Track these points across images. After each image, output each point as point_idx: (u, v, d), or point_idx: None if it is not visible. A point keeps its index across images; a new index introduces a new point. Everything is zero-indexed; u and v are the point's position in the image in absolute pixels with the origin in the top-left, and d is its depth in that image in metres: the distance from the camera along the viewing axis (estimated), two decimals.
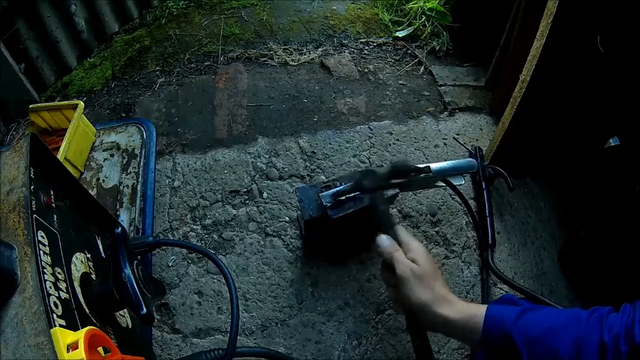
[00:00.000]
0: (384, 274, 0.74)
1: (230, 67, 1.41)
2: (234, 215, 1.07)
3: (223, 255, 1.01)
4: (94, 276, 0.61)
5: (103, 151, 1.13)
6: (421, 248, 0.70)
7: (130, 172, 1.07)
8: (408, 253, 0.69)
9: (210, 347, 0.80)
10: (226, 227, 1.05)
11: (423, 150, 1.21)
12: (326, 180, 0.95)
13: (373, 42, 1.52)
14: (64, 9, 1.31)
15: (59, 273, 0.51)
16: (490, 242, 1.01)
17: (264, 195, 1.10)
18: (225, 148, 1.19)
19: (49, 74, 1.36)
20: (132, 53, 1.47)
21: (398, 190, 0.85)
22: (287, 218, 1.06)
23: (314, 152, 1.18)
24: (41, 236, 0.51)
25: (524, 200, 1.13)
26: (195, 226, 1.05)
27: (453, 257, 1.03)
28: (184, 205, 1.08)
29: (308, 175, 1.14)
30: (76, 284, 0.55)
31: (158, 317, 0.92)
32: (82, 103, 1.07)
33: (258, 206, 1.08)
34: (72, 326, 0.47)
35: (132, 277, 0.56)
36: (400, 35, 1.52)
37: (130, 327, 0.67)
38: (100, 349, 0.47)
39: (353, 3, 1.67)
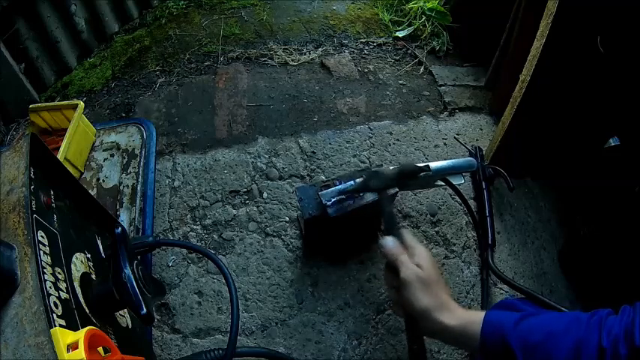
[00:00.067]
0: (387, 276, 0.73)
1: (230, 67, 1.41)
2: (234, 215, 1.07)
3: (223, 255, 1.01)
4: (94, 276, 0.61)
5: (103, 151, 1.13)
6: (426, 253, 0.69)
7: (130, 172, 1.07)
8: (413, 257, 0.69)
9: (210, 347, 0.80)
10: (226, 227, 1.05)
11: (423, 150, 1.21)
12: (325, 179, 0.95)
13: (373, 42, 1.52)
14: (64, 9, 1.31)
15: (59, 273, 0.51)
16: (490, 242, 1.01)
17: (264, 195, 1.10)
18: (225, 148, 1.19)
19: (49, 74, 1.36)
20: (132, 53, 1.47)
21: (397, 190, 0.85)
22: (287, 218, 1.06)
23: (314, 152, 1.18)
24: (41, 236, 0.51)
25: (524, 200, 1.13)
26: (195, 226, 1.05)
27: (453, 257, 1.03)
28: (184, 205, 1.08)
29: (308, 175, 1.14)
30: (76, 284, 0.55)
31: (158, 317, 0.92)
32: (82, 103, 1.07)
33: (258, 206, 1.08)
34: (72, 326, 0.47)
35: (132, 277, 0.56)
36: (400, 35, 1.52)
37: (130, 327, 0.67)
38: (100, 349, 0.47)
39: (353, 3, 1.67)
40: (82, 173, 1.08)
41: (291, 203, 1.08)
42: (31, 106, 1.09)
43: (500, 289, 0.99)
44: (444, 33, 1.50)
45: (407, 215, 1.08)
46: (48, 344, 0.41)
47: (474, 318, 0.61)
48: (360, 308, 0.94)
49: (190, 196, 1.10)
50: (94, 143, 1.14)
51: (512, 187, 1.02)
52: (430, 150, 1.21)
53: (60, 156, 0.96)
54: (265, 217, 1.06)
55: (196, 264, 0.99)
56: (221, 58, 1.44)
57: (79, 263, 0.58)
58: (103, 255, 0.68)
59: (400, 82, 1.40)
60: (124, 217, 1.00)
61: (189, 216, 1.07)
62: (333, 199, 0.82)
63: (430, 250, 1.03)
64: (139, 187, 1.04)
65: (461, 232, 1.06)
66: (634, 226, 0.85)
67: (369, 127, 1.25)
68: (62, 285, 0.51)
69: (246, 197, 1.09)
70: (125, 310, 0.67)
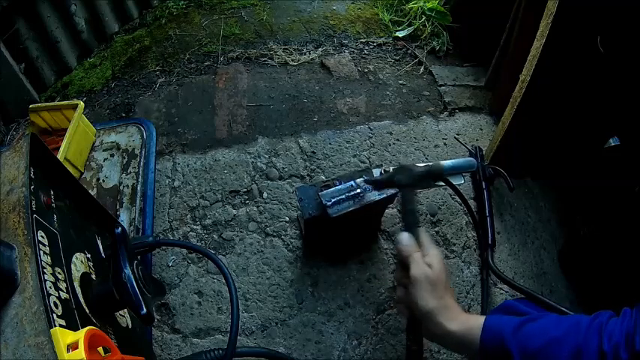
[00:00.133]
0: (398, 273, 0.73)
1: (230, 67, 1.41)
2: (234, 215, 1.07)
3: (223, 255, 1.01)
4: (94, 276, 0.61)
5: (103, 151, 1.13)
6: (438, 255, 0.69)
7: (130, 172, 1.07)
8: (426, 256, 0.69)
9: (210, 347, 0.80)
10: (226, 227, 1.05)
11: (423, 150, 1.21)
12: (325, 179, 0.95)
13: (373, 42, 1.52)
14: (64, 9, 1.31)
15: (59, 273, 0.51)
16: (490, 242, 1.01)
17: (264, 195, 1.10)
18: (225, 148, 1.19)
19: (49, 74, 1.36)
20: (132, 53, 1.47)
21: (397, 190, 0.85)
22: (287, 218, 1.06)
23: (314, 152, 1.18)
24: (41, 236, 0.51)
25: (524, 200, 1.13)
26: (195, 226, 1.05)
27: (453, 257, 1.03)
28: (184, 205, 1.08)
29: (308, 175, 1.14)
30: (76, 284, 0.55)
31: (158, 317, 0.92)
32: (82, 103, 1.07)
33: (258, 206, 1.08)
34: (72, 326, 0.47)
35: (132, 277, 0.56)
36: (400, 35, 1.52)
37: (130, 327, 0.67)
38: (100, 349, 0.47)
39: (353, 3, 1.67)
40: (82, 173, 1.08)
41: (291, 203, 1.08)
42: (31, 106, 1.09)
43: (500, 289, 0.99)
44: (444, 33, 1.50)
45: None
46: (48, 344, 0.41)
47: (474, 323, 0.61)
48: (360, 308, 0.94)
49: (190, 196, 1.10)
50: (94, 143, 1.14)
51: (512, 187, 1.02)
52: (430, 150, 1.21)
53: (60, 156, 0.96)
54: (265, 217, 1.06)
55: (196, 264, 0.99)
56: (221, 58, 1.44)
57: (79, 263, 0.58)
58: (103, 255, 0.68)
59: (400, 82, 1.40)
60: (124, 217, 1.00)
61: (189, 216, 1.07)
62: (333, 199, 0.82)
63: None
64: (139, 187, 1.04)
65: (461, 232, 1.06)
66: (634, 226, 0.85)
67: (369, 127, 1.25)
68: (62, 285, 0.51)
69: (246, 197, 1.09)
70: (125, 310, 0.67)
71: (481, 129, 1.27)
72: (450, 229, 1.07)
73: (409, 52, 1.50)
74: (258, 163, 1.16)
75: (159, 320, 0.92)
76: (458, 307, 0.65)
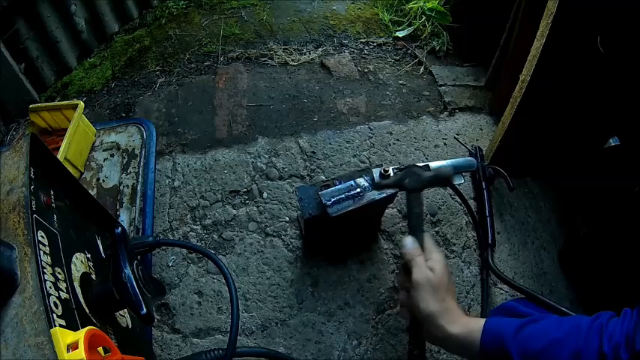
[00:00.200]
0: (400, 276, 0.74)
1: (230, 67, 1.41)
2: (234, 215, 1.07)
3: (223, 255, 1.01)
4: (94, 276, 0.61)
5: (103, 151, 1.13)
6: (441, 259, 0.70)
7: (130, 172, 1.07)
8: (429, 260, 0.69)
9: (210, 347, 0.80)
10: (226, 227, 1.05)
11: (423, 150, 1.21)
12: (325, 179, 0.95)
13: (373, 42, 1.52)
14: (64, 9, 1.31)
15: (59, 273, 0.51)
16: (490, 242, 1.01)
17: (264, 195, 1.10)
18: (225, 148, 1.19)
19: (49, 74, 1.36)
20: (132, 53, 1.47)
21: (397, 190, 0.85)
22: (287, 218, 1.06)
23: (314, 152, 1.18)
24: (41, 236, 0.51)
25: (524, 200, 1.13)
26: (195, 226, 1.05)
27: (453, 257, 1.03)
28: (184, 205, 1.08)
29: (308, 175, 1.14)
30: (76, 284, 0.55)
31: (158, 317, 0.92)
32: (82, 103, 1.07)
33: (258, 206, 1.08)
34: (72, 326, 0.47)
35: (132, 277, 0.56)
36: (400, 35, 1.52)
37: (130, 327, 0.67)
38: (100, 349, 0.47)
39: (353, 3, 1.67)
40: (82, 173, 1.08)
41: (291, 203, 1.08)
42: (31, 106, 1.09)
43: (500, 289, 0.99)
44: (444, 33, 1.50)
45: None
46: (48, 344, 0.41)
47: (474, 326, 0.61)
48: (360, 308, 0.94)
49: (190, 196, 1.10)
50: (94, 143, 1.14)
51: (512, 187, 1.02)
52: (430, 150, 1.21)
53: (60, 156, 0.96)
54: (265, 217, 1.06)
55: (196, 264, 0.99)
56: (221, 58, 1.44)
57: (79, 263, 0.58)
58: (103, 255, 0.68)
59: (400, 82, 1.40)
60: (124, 217, 1.00)
61: (189, 216, 1.07)
62: (333, 199, 0.82)
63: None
64: (139, 187, 1.04)
65: (461, 232, 1.06)
66: (634, 226, 0.85)
67: (369, 127, 1.25)
68: (62, 285, 0.51)
69: (246, 197, 1.09)
70: (125, 310, 0.67)
71: (481, 129, 1.27)
72: (450, 229, 1.07)
73: (409, 52, 1.50)
74: (258, 163, 1.16)
75: (159, 320, 0.92)
76: (459, 310, 0.65)
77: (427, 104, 1.34)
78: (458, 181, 0.93)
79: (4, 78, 1.18)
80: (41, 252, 0.49)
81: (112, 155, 1.12)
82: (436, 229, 1.07)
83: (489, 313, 0.82)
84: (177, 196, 1.10)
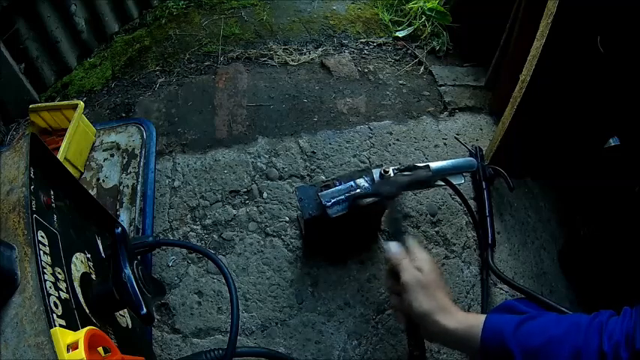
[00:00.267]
0: (389, 281, 0.74)
1: (230, 67, 1.41)
2: (234, 215, 1.07)
3: (223, 255, 1.01)
4: (94, 276, 0.61)
5: (103, 151, 1.13)
6: (427, 257, 0.70)
7: (130, 172, 1.07)
8: (415, 261, 0.69)
9: (210, 347, 0.80)
10: (226, 227, 1.05)
11: (423, 150, 1.21)
12: (325, 179, 0.95)
13: (373, 42, 1.52)
14: (64, 9, 1.31)
15: (59, 273, 0.51)
16: (490, 242, 1.01)
17: (264, 195, 1.10)
18: (225, 148, 1.19)
19: (49, 74, 1.36)
20: (132, 53, 1.48)
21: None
22: (287, 218, 1.06)
23: (314, 152, 1.18)
24: (41, 236, 0.51)
25: (524, 200, 1.13)
26: (195, 226, 1.05)
27: (453, 257, 1.03)
28: (184, 205, 1.08)
29: (308, 175, 1.14)
30: (76, 284, 0.55)
31: (158, 317, 0.92)
32: (82, 103, 1.07)
33: (258, 206, 1.08)
34: (72, 326, 0.47)
35: (132, 277, 0.56)
36: (400, 35, 1.52)
37: (130, 327, 0.67)
38: (100, 349, 0.47)
39: (353, 3, 1.67)
40: (82, 173, 1.08)
41: (291, 203, 1.08)
42: (31, 106, 1.09)
43: (500, 289, 0.99)
44: (444, 33, 1.50)
45: (407, 215, 1.08)
46: (48, 344, 0.41)
47: (474, 321, 0.61)
48: (360, 308, 0.94)
49: (190, 196, 1.10)
50: (94, 143, 1.14)
51: (512, 187, 1.02)
52: (430, 150, 1.21)
53: (60, 156, 0.96)
54: (265, 217, 1.06)
55: (196, 264, 0.99)
56: (221, 58, 1.44)
57: (79, 263, 0.58)
58: (103, 255, 0.68)
59: (400, 82, 1.40)
60: (124, 217, 1.00)
61: (189, 216, 1.07)
62: (332, 200, 0.82)
63: (430, 251, 1.03)
64: (139, 187, 1.04)
65: (461, 232, 1.06)
66: (634, 226, 0.85)
67: (369, 127, 1.25)
68: (62, 285, 0.51)
69: (246, 197, 1.09)
70: (125, 310, 0.67)
71: (481, 129, 1.27)
72: (450, 229, 1.07)
73: (409, 52, 1.50)
74: (258, 163, 1.16)
75: (159, 320, 0.92)
76: (453, 305, 0.65)
77: (427, 104, 1.34)
78: (458, 181, 0.93)
79: (4, 78, 1.18)
80: (41, 252, 0.49)
81: (112, 155, 1.12)
82: (436, 229, 1.07)
83: (489, 312, 0.82)
84: (177, 196, 1.10)
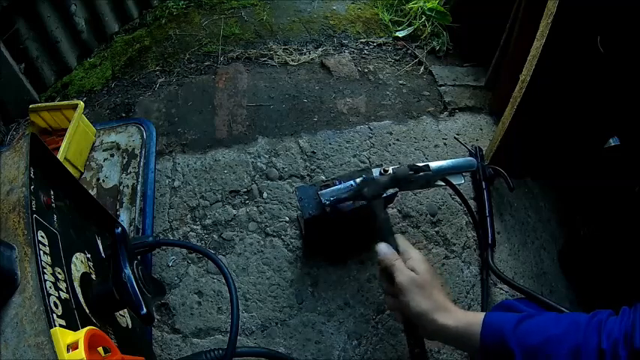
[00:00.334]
0: (383, 283, 0.74)
1: (230, 67, 1.41)
2: (234, 215, 1.07)
3: (223, 255, 1.01)
4: (94, 276, 0.61)
5: (103, 151, 1.13)
6: (420, 256, 0.70)
7: (130, 172, 1.07)
8: (408, 261, 0.69)
9: (210, 347, 0.80)
10: (226, 227, 1.05)
11: (423, 150, 1.21)
12: (325, 179, 0.95)
13: (373, 42, 1.52)
14: (64, 9, 1.31)
15: (59, 273, 0.51)
16: (490, 242, 1.01)
17: (264, 195, 1.10)
18: (225, 148, 1.19)
19: (49, 74, 1.36)
20: (132, 53, 1.48)
21: (397, 189, 0.85)
22: (287, 218, 1.06)
23: (314, 152, 1.18)
24: (41, 236, 0.51)
25: (524, 200, 1.13)
26: (195, 226, 1.05)
27: (453, 257, 1.03)
28: (184, 205, 1.08)
29: (308, 175, 1.14)
30: (76, 284, 0.55)
31: (158, 317, 0.92)
32: (82, 103, 1.07)
33: (258, 206, 1.08)
34: (72, 326, 0.47)
35: (132, 277, 0.56)
36: (400, 35, 1.53)
37: (130, 327, 0.67)
38: (100, 349, 0.47)
39: (353, 3, 1.67)
40: (82, 173, 1.08)
41: (291, 203, 1.08)
42: (31, 106, 1.09)
43: (500, 289, 0.99)
44: (444, 33, 1.50)
45: (407, 215, 1.08)
46: (48, 344, 0.41)
47: (473, 319, 0.61)
48: (360, 308, 0.94)
49: (190, 196, 1.10)
50: (94, 143, 1.14)
51: (512, 187, 1.02)
52: (430, 150, 1.21)
53: (60, 156, 0.96)
54: (265, 217, 1.06)
55: (196, 264, 0.99)
56: (221, 58, 1.44)
57: (79, 263, 0.58)
58: (103, 255, 0.68)
59: (400, 82, 1.40)
60: (124, 217, 1.00)
61: (189, 216, 1.07)
62: (332, 199, 0.82)
63: (430, 251, 1.03)
64: (139, 187, 1.04)
65: (461, 232, 1.06)
66: (634, 226, 0.85)
67: (369, 127, 1.25)
68: (62, 285, 0.51)
69: (246, 197, 1.09)
70: (125, 310, 0.67)
71: (481, 129, 1.27)
72: (450, 229, 1.07)
73: (409, 52, 1.50)
74: (258, 163, 1.16)
75: (159, 320, 0.92)
76: (451, 304, 0.65)
77: (427, 104, 1.34)
78: (458, 181, 0.94)
79: (4, 78, 1.18)
80: (41, 252, 0.49)
81: (112, 155, 1.12)
82: (436, 229, 1.07)
83: (489, 311, 0.82)
84: (177, 196, 1.10)
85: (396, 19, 1.58)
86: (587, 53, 0.83)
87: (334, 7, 1.64)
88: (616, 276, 0.89)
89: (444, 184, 0.93)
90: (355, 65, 1.43)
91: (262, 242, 1.02)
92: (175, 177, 1.13)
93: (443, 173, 0.91)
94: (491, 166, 1.09)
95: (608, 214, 0.97)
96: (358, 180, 0.83)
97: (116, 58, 1.47)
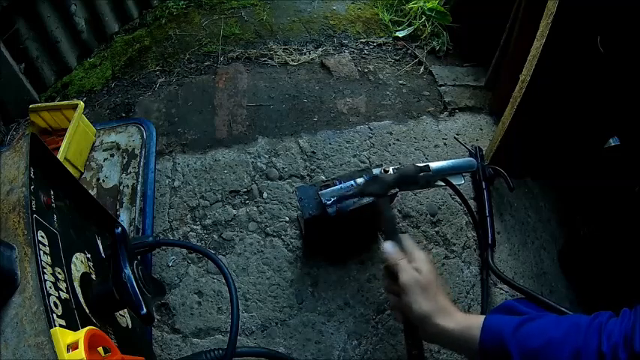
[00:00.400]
0: (386, 282, 0.74)
1: (230, 67, 1.41)
2: (234, 215, 1.07)
3: (223, 255, 1.01)
4: (94, 276, 0.61)
5: (103, 151, 1.13)
6: (425, 257, 0.70)
7: (130, 172, 1.07)
8: (412, 262, 0.69)
9: (210, 347, 0.80)
10: (226, 227, 1.05)
11: (423, 150, 1.21)
12: (325, 179, 0.95)
13: (373, 42, 1.52)
14: (64, 9, 1.31)
15: (59, 273, 0.51)
16: (490, 242, 1.01)
17: (264, 195, 1.10)
18: (225, 148, 1.19)
19: (49, 74, 1.36)
20: (132, 53, 1.47)
21: (397, 190, 0.85)
22: (287, 218, 1.06)
23: (314, 152, 1.18)
24: (41, 236, 0.51)
25: (524, 200, 1.13)
26: (195, 226, 1.05)
27: (453, 257, 1.03)
28: (184, 205, 1.08)
29: (308, 175, 1.14)
30: (76, 284, 0.55)
31: (158, 317, 0.92)
32: (82, 103, 1.07)
33: (258, 206, 1.08)
34: (72, 326, 0.47)
35: (132, 277, 0.56)
36: (400, 35, 1.52)
37: (130, 327, 0.67)
38: (100, 349, 0.47)
39: (353, 3, 1.67)
40: (82, 173, 1.08)
41: (291, 203, 1.08)
42: (31, 106, 1.09)
43: (500, 289, 0.99)
44: (444, 33, 1.50)
45: (407, 215, 1.08)
46: (48, 344, 0.41)
47: (473, 322, 0.61)
48: (360, 308, 0.94)
49: (190, 196, 1.10)
50: (94, 143, 1.14)
51: (512, 187, 1.02)
52: (430, 150, 1.21)
53: (60, 156, 0.96)
54: (265, 217, 1.06)
55: (196, 264, 0.99)
56: (221, 58, 1.44)
57: (79, 263, 0.58)
58: (103, 255, 0.68)
59: (400, 82, 1.40)
60: (124, 217, 1.00)
61: (189, 216, 1.07)
62: (333, 199, 0.82)
63: (430, 251, 1.03)
64: (139, 187, 1.04)
65: (461, 232, 1.06)
66: (634, 226, 0.85)
67: (369, 127, 1.25)
68: (62, 285, 0.51)
69: (246, 197, 1.09)
70: (125, 310, 0.67)
71: (481, 129, 1.27)
72: (450, 229, 1.07)
73: (409, 52, 1.50)
74: (258, 163, 1.16)
75: (159, 320, 0.92)
76: (453, 306, 0.65)
77: (427, 104, 1.34)
78: (458, 181, 0.94)
79: (4, 78, 1.18)
80: (41, 252, 0.49)
81: (112, 155, 1.12)
82: (436, 229, 1.07)
83: (489, 313, 0.82)
84: (177, 196, 1.10)
85: (396, 19, 1.58)
86: (587, 53, 0.83)
87: (334, 7, 1.64)
88: (616, 276, 0.89)
89: (444, 184, 0.93)
90: (355, 65, 1.43)
91: (262, 242, 1.02)
92: (175, 177, 1.13)
93: (443, 174, 0.91)
94: (491, 166, 1.09)
95: (608, 214, 0.97)
96: (365, 177, 0.83)
97: (116, 58, 1.47)
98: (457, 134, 1.25)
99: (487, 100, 1.33)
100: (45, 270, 0.48)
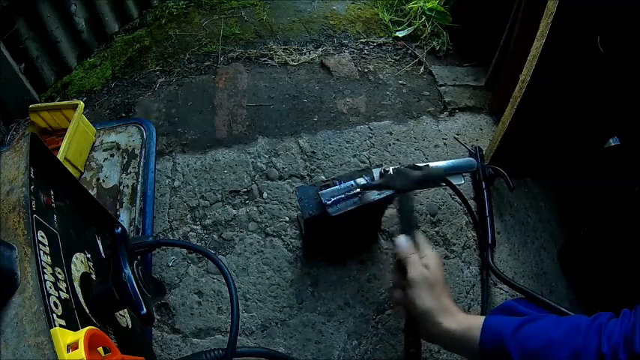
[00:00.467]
0: (395, 276, 0.74)
1: (230, 67, 1.41)
2: (234, 215, 1.07)
3: (223, 255, 1.01)
4: (94, 276, 0.61)
5: (103, 151, 1.13)
6: (435, 256, 0.70)
7: (130, 172, 1.07)
8: (423, 258, 0.69)
9: (210, 347, 0.80)
10: (226, 227, 1.05)
11: (423, 150, 1.21)
12: (325, 179, 0.95)
13: (373, 42, 1.52)
14: (64, 9, 1.31)
15: (59, 273, 0.51)
16: (490, 242, 1.01)
17: (264, 195, 1.10)
18: (225, 148, 1.19)
19: (49, 74, 1.36)
20: (132, 53, 1.47)
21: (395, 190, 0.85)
22: (287, 218, 1.06)
23: (314, 152, 1.18)
24: (41, 236, 0.51)
25: (524, 200, 1.13)
26: (195, 226, 1.05)
27: (453, 257, 1.03)
28: (184, 205, 1.08)
29: (308, 175, 1.14)
30: (76, 284, 0.55)
31: (158, 317, 0.92)
32: (82, 103, 1.07)
33: (258, 206, 1.08)
34: (72, 326, 0.47)
35: (132, 277, 0.56)
36: (400, 35, 1.52)
37: (130, 327, 0.67)
38: (100, 349, 0.47)
39: (353, 3, 1.67)
40: (82, 173, 1.08)
41: (291, 203, 1.08)
42: (31, 106, 1.09)
43: (500, 289, 0.99)
44: (444, 33, 1.50)
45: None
46: (48, 344, 0.41)
47: (473, 323, 0.61)
48: (360, 308, 0.94)
49: (190, 196, 1.10)
50: (94, 143, 1.14)
51: (512, 187, 1.02)
52: (430, 150, 1.21)
53: (60, 156, 0.96)
54: (265, 217, 1.06)
55: (196, 264, 0.99)
56: (221, 58, 1.44)
57: (79, 263, 0.58)
58: (103, 255, 0.68)
59: (400, 82, 1.40)
60: (124, 217, 1.00)
61: (189, 216, 1.07)
62: (332, 199, 0.82)
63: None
64: (139, 187, 1.04)
65: (461, 232, 1.06)
66: (634, 226, 0.85)
67: (369, 127, 1.25)
68: (62, 285, 0.51)
69: (246, 197, 1.09)
70: (125, 310, 0.67)
71: (481, 129, 1.27)
72: (450, 229, 1.07)
73: (409, 52, 1.50)
74: (258, 163, 1.16)
75: (159, 320, 0.92)
76: (455, 307, 0.65)
77: (427, 104, 1.34)
78: (458, 181, 0.94)
79: (4, 78, 1.18)
80: (41, 252, 0.49)
81: (112, 155, 1.12)
82: (436, 229, 1.07)
83: (489, 313, 0.82)
84: (177, 196, 1.10)
85: (396, 19, 1.58)
86: (587, 53, 0.83)
87: (334, 7, 1.64)
88: (616, 276, 0.89)
89: (444, 184, 0.93)
90: (355, 65, 1.43)
91: (262, 242, 1.02)
92: (175, 177, 1.13)
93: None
94: (491, 166, 1.09)
95: (608, 214, 0.97)
96: (365, 176, 0.82)
97: (116, 58, 1.47)
98: (457, 134, 1.25)
99: (487, 100, 1.33)
100: (45, 270, 0.48)
